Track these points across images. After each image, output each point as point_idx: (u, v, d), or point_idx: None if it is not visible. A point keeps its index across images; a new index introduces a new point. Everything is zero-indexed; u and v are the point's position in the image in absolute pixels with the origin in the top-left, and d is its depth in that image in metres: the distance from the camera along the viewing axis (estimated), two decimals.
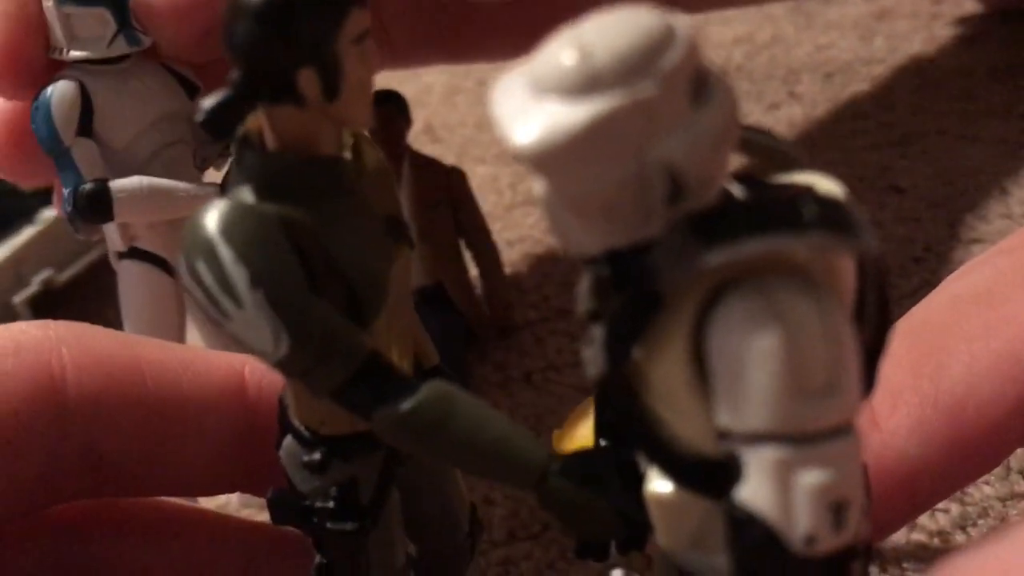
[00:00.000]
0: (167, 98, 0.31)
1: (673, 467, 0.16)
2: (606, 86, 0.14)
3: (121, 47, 0.29)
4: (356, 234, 0.20)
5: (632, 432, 0.17)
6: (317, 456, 0.22)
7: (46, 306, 0.50)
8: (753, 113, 0.57)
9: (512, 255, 0.49)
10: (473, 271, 0.44)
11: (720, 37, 0.67)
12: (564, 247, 0.16)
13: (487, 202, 0.54)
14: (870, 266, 0.16)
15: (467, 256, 0.44)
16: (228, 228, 0.19)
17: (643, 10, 0.15)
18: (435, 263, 0.42)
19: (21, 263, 0.50)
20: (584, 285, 0.17)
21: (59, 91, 0.29)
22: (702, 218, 0.15)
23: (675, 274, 0.15)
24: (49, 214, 0.53)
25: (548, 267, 0.48)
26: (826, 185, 0.16)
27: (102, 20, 0.29)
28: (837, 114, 0.55)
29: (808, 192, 0.15)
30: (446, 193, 0.43)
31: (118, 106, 0.30)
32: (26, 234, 0.51)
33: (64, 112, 0.29)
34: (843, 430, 0.15)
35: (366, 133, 0.22)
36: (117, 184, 0.29)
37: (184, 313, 0.32)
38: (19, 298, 0.48)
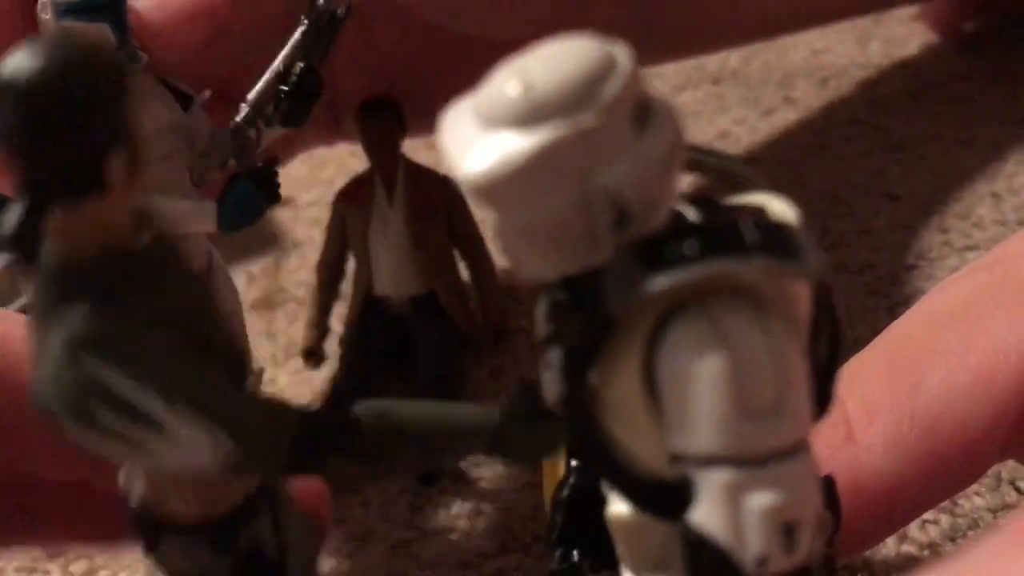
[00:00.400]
0: (161, 112, 0.31)
1: (631, 489, 0.17)
2: (548, 117, 0.14)
3: (132, 60, 0.29)
4: (200, 297, 0.19)
5: (591, 455, 0.17)
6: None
7: None
8: (748, 119, 0.57)
9: (505, 262, 0.49)
10: (466, 278, 0.45)
11: None
12: (519, 274, 0.17)
13: (480, 210, 0.54)
14: (817, 288, 0.16)
15: (460, 264, 0.44)
16: (103, 354, 0.16)
17: (584, 40, 0.15)
18: (429, 271, 0.42)
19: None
20: (541, 309, 0.17)
21: None
22: (648, 243, 0.15)
23: (623, 299, 0.15)
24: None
25: None
26: (778, 207, 0.17)
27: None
28: (832, 119, 0.55)
29: (752, 216, 0.15)
30: (441, 202, 0.43)
31: None
32: None
33: None
34: (793, 450, 0.15)
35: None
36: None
37: None
38: (14, 307, 0.49)
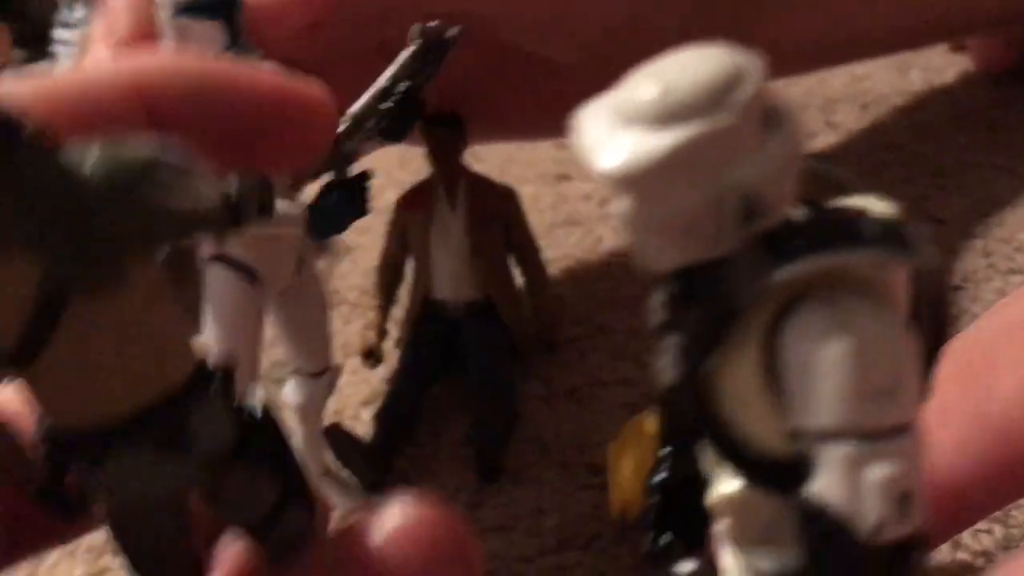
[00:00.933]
0: None
1: (745, 466, 0.18)
2: (686, 117, 0.16)
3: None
4: None
5: (703, 433, 0.18)
6: None
7: None
8: None
9: (554, 273, 0.50)
10: (520, 287, 0.46)
11: None
12: (641, 263, 0.18)
13: (530, 222, 0.55)
14: (928, 278, 0.17)
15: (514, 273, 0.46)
16: None
17: (716, 48, 0.16)
18: (486, 278, 0.43)
19: None
20: (657, 299, 0.18)
21: None
22: (773, 236, 0.16)
23: (749, 289, 0.16)
24: None
25: (590, 286, 0.50)
26: (879, 206, 0.18)
27: (215, 33, 0.30)
28: (873, 145, 0.56)
29: (866, 213, 0.17)
30: (500, 212, 0.44)
31: None
32: None
33: None
34: (905, 428, 0.16)
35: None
36: None
37: (262, 321, 0.34)
38: None
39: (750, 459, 0.18)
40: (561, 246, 0.54)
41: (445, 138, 0.43)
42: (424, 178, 0.44)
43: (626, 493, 0.33)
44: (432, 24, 0.31)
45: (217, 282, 0.34)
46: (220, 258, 0.33)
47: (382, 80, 0.32)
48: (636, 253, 0.18)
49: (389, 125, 0.32)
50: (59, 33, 0.56)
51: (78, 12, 0.55)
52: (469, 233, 0.43)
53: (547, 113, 0.44)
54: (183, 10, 0.30)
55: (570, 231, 0.55)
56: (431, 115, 0.43)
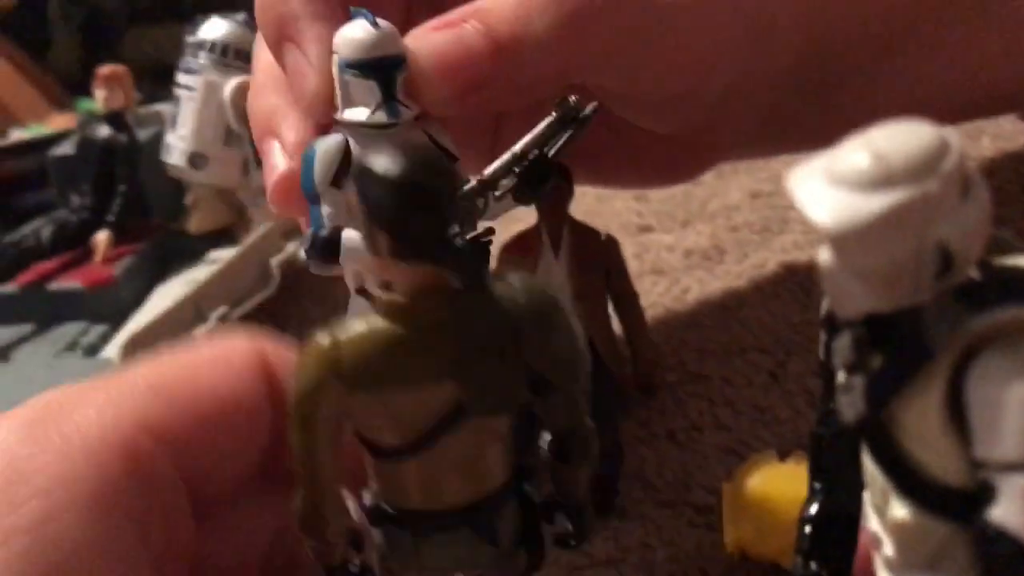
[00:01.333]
0: None
1: (920, 495, 0.20)
2: (897, 183, 0.18)
3: (381, 117, 0.33)
4: None
5: (883, 465, 0.20)
6: None
7: None
8: None
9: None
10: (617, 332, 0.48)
11: None
12: (836, 308, 0.20)
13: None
14: None
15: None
16: None
17: (922, 123, 0.19)
18: (587, 322, 0.46)
19: (202, 299, 0.54)
20: (844, 341, 0.21)
21: (325, 144, 0.33)
22: (964, 289, 0.19)
23: (943, 335, 0.19)
24: (217, 254, 0.58)
25: (682, 334, 0.52)
26: None
27: (371, 91, 0.33)
28: None
29: None
30: (601, 257, 0.47)
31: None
32: (206, 274, 0.56)
33: (324, 162, 0.33)
34: None
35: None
36: (348, 235, 0.33)
37: None
38: (199, 332, 0.53)
39: (925, 488, 0.20)
40: (648, 295, 0.56)
41: (554, 188, 0.46)
42: (529, 226, 0.47)
43: (741, 532, 0.35)
44: (573, 99, 0.33)
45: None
46: (360, 291, 0.35)
47: (519, 145, 0.34)
48: (830, 298, 0.20)
49: (519, 188, 0.34)
50: (182, 78, 0.59)
51: (201, 59, 0.59)
52: (572, 278, 0.46)
53: (635, 167, 0.47)
54: (347, 66, 0.33)
55: (656, 280, 0.57)
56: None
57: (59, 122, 0.74)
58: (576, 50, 0.35)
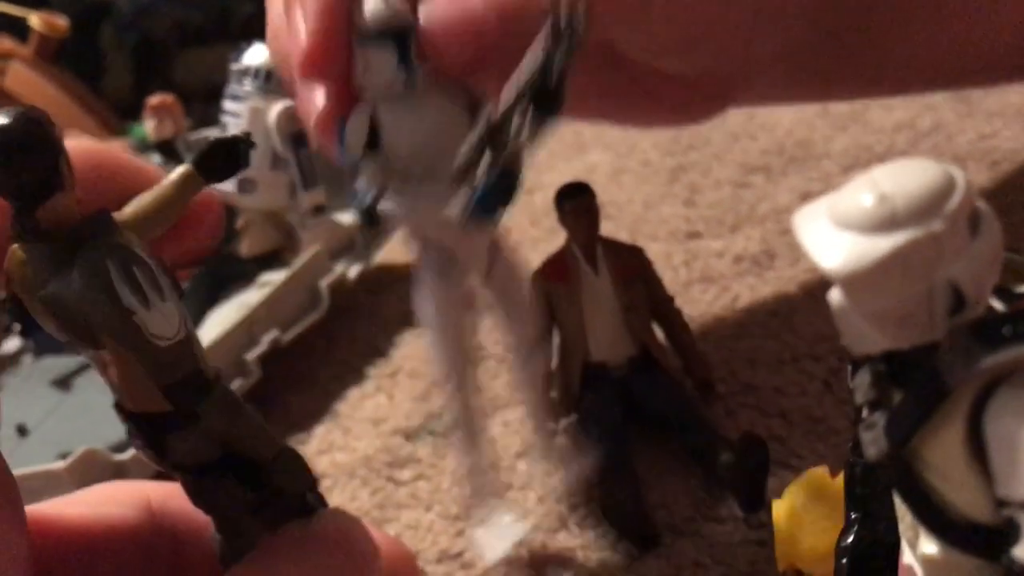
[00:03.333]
0: (441, 119, 0.35)
1: (945, 530, 0.20)
2: (902, 224, 0.18)
3: (399, 83, 0.35)
4: None
5: (907, 502, 0.20)
6: None
7: (272, 362, 0.56)
8: None
9: (694, 330, 0.51)
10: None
11: (881, 123, 0.70)
12: (851, 347, 0.20)
13: (664, 278, 0.56)
14: None
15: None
16: None
17: (926, 161, 0.19)
18: (641, 331, 0.46)
19: (253, 324, 0.56)
20: (863, 379, 0.21)
21: (349, 125, 0.35)
22: (979, 325, 0.18)
23: (960, 372, 0.18)
24: (268, 277, 0.59)
25: (731, 343, 0.51)
26: None
27: (388, 59, 0.35)
28: (1008, 204, 0.57)
29: None
30: (638, 269, 0.47)
31: (398, 128, 0.35)
32: (257, 298, 0.57)
33: (352, 141, 0.35)
34: None
35: None
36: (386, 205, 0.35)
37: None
38: (251, 355, 0.54)
39: (950, 524, 0.20)
40: (697, 304, 0.55)
41: (579, 207, 0.46)
42: (560, 248, 0.47)
43: (792, 551, 0.35)
44: (564, 10, 0.33)
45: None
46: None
47: (519, 77, 0.34)
48: (845, 339, 0.20)
49: (540, 101, 0.34)
50: (228, 105, 0.60)
51: (247, 86, 0.60)
52: (618, 294, 0.46)
53: (650, 106, 0.47)
54: (363, 37, 0.35)
55: (705, 288, 0.57)
56: (565, 188, 0.46)
57: None
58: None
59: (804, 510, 0.33)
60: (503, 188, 0.33)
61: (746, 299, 0.55)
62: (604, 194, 0.69)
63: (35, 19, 0.78)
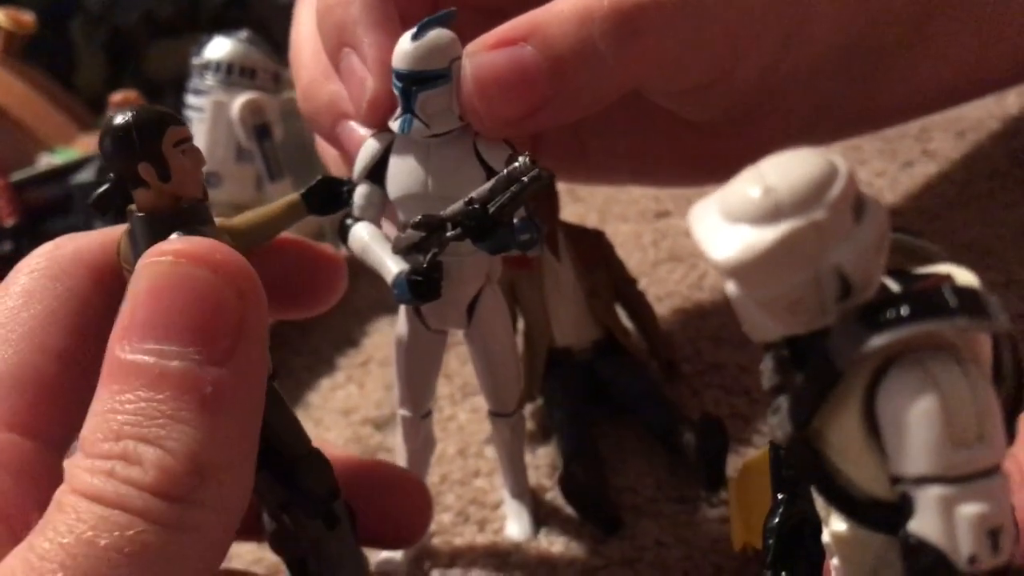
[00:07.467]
0: (457, 177, 0.34)
1: (850, 508, 0.20)
2: (786, 214, 0.18)
3: (403, 128, 0.34)
4: None
5: (813, 482, 0.21)
6: None
7: None
8: (888, 171, 0.59)
9: (661, 310, 0.52)
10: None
11: None
12: (751, 336, 0.20)
13: (632, 259, 0.57)
14: (1004, 340, 0.20)
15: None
16: None
17: (809, 151, 0.19)
18: (604, 316, 0.46)
19: None
20: (767, 364, 0.21)
21: (365, 145, 0.35)
22: (867, 309, 0.19)
23: (849, 355, 0.19)
24: None
25: (698, 322, 0.52)
26: (962, 275, 0.20)
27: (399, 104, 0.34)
28: (973, 172, 0.57)
29: (950, 283, 0.19)
30: (599, 253, 0.47)
31: (400, 170, 0.35)
32: None
33: (362, 159, 0.35)
34: (993, 471, 0.19)
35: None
36: (355, 230, 0.35)
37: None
38: None
39: (854, 502, 0.20)
40: (665, 282, 0.56)
41: (540, 195, 0.46)
42: None
43: (747, 528, 0.35)
44: (523, 158, 0.32)
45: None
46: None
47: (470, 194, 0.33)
48: (746, 327, 0.20)
49: (464, 236, 0.33)
50: (191, 100, 0.60)
51: (209, 80, 0.60)
52: (582, 278, 0.46)
53: (686, 162, 0.47)
54: (397, 76, 0.34)
55: (673, 267, 0.57)
56: None
57: (87, 144, 0.74)
58: (636, 60, 0.35)
59: (756, 488, 0.34)
60: (427, 285, 0.33)
61: (713, 277, 0.55)
62: None
63: (1, 16, 0.78)
